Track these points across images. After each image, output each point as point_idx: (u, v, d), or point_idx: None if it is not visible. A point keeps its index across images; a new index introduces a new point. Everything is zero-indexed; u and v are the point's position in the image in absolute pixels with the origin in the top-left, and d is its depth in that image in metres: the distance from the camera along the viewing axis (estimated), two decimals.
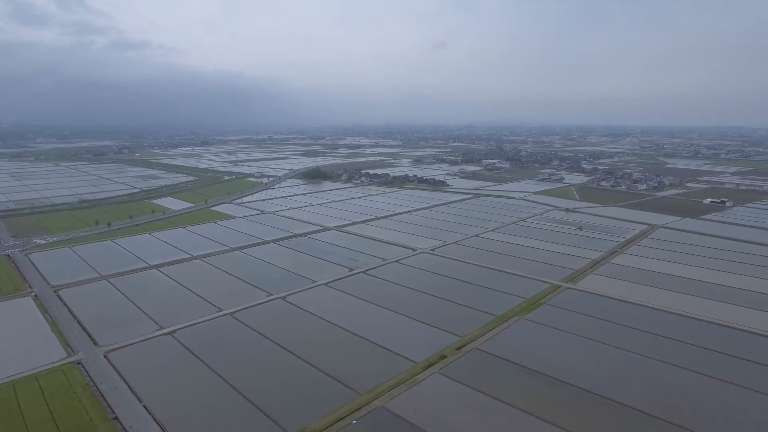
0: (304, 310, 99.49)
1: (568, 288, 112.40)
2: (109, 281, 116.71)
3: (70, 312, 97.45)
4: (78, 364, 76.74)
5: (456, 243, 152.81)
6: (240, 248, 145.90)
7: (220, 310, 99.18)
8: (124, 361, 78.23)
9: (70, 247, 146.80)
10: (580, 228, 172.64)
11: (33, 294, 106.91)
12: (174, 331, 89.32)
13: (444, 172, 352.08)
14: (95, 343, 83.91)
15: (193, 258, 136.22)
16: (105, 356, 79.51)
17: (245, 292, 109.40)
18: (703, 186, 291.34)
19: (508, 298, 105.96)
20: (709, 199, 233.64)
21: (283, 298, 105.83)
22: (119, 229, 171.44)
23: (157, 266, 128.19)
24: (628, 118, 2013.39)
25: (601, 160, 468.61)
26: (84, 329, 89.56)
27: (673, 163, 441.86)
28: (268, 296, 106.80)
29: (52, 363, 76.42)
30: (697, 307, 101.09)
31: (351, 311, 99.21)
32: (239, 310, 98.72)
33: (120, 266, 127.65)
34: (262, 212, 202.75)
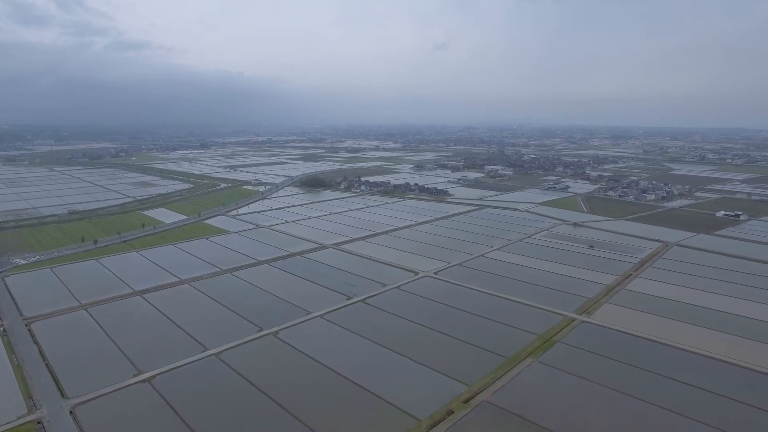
0: (296, 349, 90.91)
1: (584, 322, 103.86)
2: (87, 311, 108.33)
3: (40, 352, 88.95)
4: (38, 423, 68.15)
5: (460, 264, 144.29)
6: (231, 270, 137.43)
7: (206, 349, 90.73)
8: (92, 419, 69.56)
9: (51, 268, 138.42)
10: (591, 246, 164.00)
11: (1, 328, 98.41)
12: (153, 377, 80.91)
13: (446, 180, 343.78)
14: (63, 395, 75.31)
15: (182, 282, 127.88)
16: (71, 412, 70.95)
17: (234, 326, 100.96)
18: (714, 196, 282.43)
19: (519, 334, 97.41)
20: (723, 212, 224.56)
21: (275, 334, 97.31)
22: (106, 246, 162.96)
23: (142, 292, 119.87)
24: (630, 119, 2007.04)
25: (606, 166, 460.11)
26: (52, 375, 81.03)
27: (680, 169, 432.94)
28: (258, 331, 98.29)
29: (8, 423, 67.59)
30: (731, 347, 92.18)
31: (348, 352, 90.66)
32: (226, 350, 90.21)
33: (102, 292, 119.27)
34: (257, 226, 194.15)
